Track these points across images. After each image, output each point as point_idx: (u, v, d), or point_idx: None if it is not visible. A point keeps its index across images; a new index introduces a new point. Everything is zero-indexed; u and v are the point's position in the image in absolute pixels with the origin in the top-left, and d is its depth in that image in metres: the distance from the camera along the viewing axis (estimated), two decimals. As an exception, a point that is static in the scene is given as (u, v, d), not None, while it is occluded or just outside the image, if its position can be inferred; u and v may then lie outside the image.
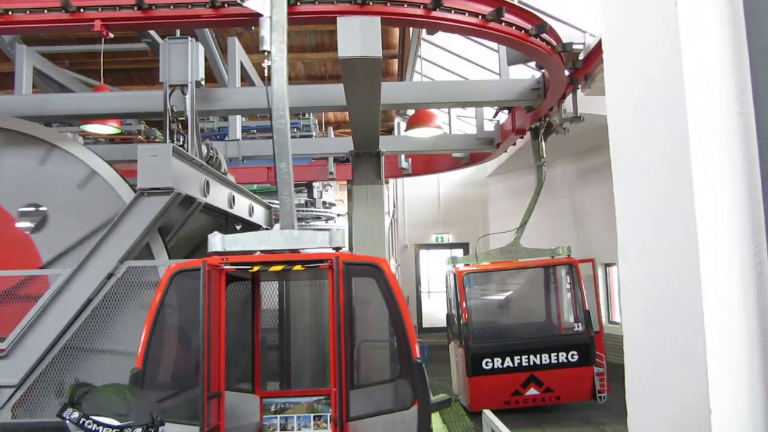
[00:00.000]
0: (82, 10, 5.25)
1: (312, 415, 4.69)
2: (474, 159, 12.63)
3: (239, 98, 7.90)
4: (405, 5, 5.22)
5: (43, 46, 11.04)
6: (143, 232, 5.45)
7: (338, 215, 19.87)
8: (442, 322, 14.80)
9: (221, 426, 4.18)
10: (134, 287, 5.47)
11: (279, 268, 4.16)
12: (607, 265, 13.01)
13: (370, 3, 5.09)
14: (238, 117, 11.24)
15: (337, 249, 4.21)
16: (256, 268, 4.23)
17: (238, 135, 11.15)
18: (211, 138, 11.93)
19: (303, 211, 17.74)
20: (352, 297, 4.60)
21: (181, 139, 6.58)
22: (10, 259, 5.65)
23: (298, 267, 4.18)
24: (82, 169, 5.79)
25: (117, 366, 5.17)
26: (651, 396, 2.00)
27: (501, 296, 10.41)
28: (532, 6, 7.41)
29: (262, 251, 4.28)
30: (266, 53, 4.66)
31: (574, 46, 7.15)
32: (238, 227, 7.93)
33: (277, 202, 14.13)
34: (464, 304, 8.77)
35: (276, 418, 4.71)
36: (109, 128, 10.61)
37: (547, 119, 8.86)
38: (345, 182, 10.72)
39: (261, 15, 4.75)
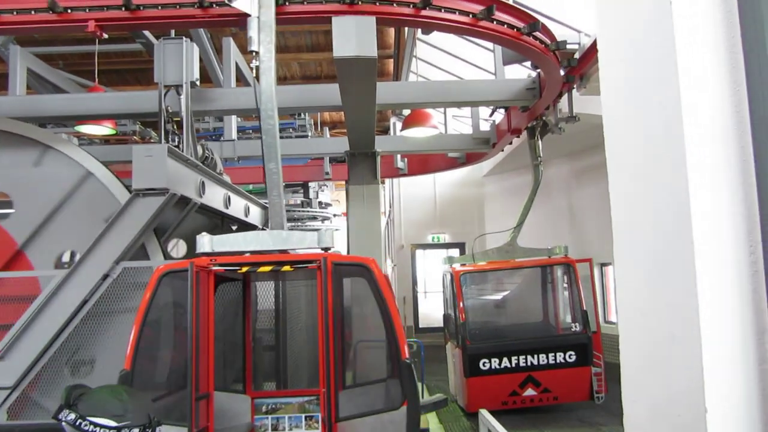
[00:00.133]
0: (69, 10, 5.23)
1: (303, 416, 4.68)
2: (470, 159, 12.64)
3: (234, 98, 7.88)
4: (394, 4, 5.20)
5: (37, 47, 11.00)
6: (139, 233, 5.44)
7: (334, 215, 19.86)
8: (438, 322, 14.82)
9: (210, 427, 4.18)
10: (130, 288, 5.45)
11: (267, 268, 4.16)
12: (602, 264, 13.03)
13: (359, 2, 5.09)
14: (234, 117, 11.21)
15: (326, 249, 4.20)
16: (244, 269, 4.22)
17: (234, 135, 11.13)
18: (206, 138, 11.91)
19: (299, 211, 17.72)
20: (342, 297, 4.62)
21: (177, 139, 6.56)
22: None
23: (286, 268, 4.18)
24: (77, 170, 5.77)
25: (113, 367, 5.15)
26: (647, 395, 2.00)
27: (498, 296, 10.41)
28: (526, 5, 7.41)
29: (251, 252, 4.27)
30: (254, 53, 4.66)
31: (570, 46, 7.16)
32: (234, 228, 7.91)
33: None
34: (461, 304, 8.77)
35: (267, 418, 4.71)
36: (103, 129, 10.57)
37: (543, 119, 8.87)
38: (344, 183, 10.71)
39: (249, 15, 4.74)
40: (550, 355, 8.51)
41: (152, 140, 12.80)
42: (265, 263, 4.16)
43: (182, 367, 4.00)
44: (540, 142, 9.37)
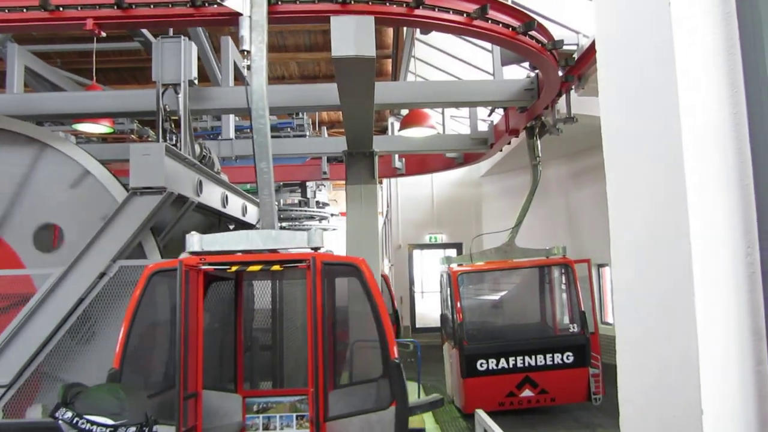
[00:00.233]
0: (61, 8, 5.21)
1: (294, 415, 4.68)
2: (468, 159, 12.64)
3: (232, 97, 7.88)
4: (387, 3, 5.19)
5: (35, 45, 10.97)
6: (136, 232, 5.43)
7: (332, 215, 19.84)
8: (435, 322, 14.81)
9: (198, 426, 4.18)
10: (127, 286, 5.44)
11: (257, 268, 4.16)
12: (599, 265, 13.05)
13: (352, 2, 5.08)
14: (232, 116, 11.20)
15: (316, 249, 4.20)
16: (234, 268, 4.22)
17: (232, 134, 11.12)
18: (204, 137, 11.89)
19: (296, 210, 17.71)
20: (334, 297, 4.62)
21: (174, 138, 6.55)
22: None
23: (275, 267, 4.18)
24: (75, 169, 5.76)
25: (109, 365, 5.14)
26: (643, 396, 2.00)
27: (496, 296, 10.40)
28: (523, 6, 7.41)
29: (241, 251, 4.27)
30: (245, 53, 4.66)
31: (568, 47, 7.16)
32: (231, 226, 7.90)
33: (271, 201, 13.84)
34: (459, 305, 8.75)
35: (258, 417, 4.71)
36: (101, 127, 10.55)
37: (542, 119, 8.87)
38: (341, 182, 10.72)
39: (241, 14, 4.74)
40: (548, 356, 8.49)
41: (150, 139, 12.78)
42: (254, 262, 4.16)
43: (171, 366, 4.00)
44: (539, 142, 9.36)
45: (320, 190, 18.14)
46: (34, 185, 5.83)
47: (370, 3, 5.15)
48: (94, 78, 10.75)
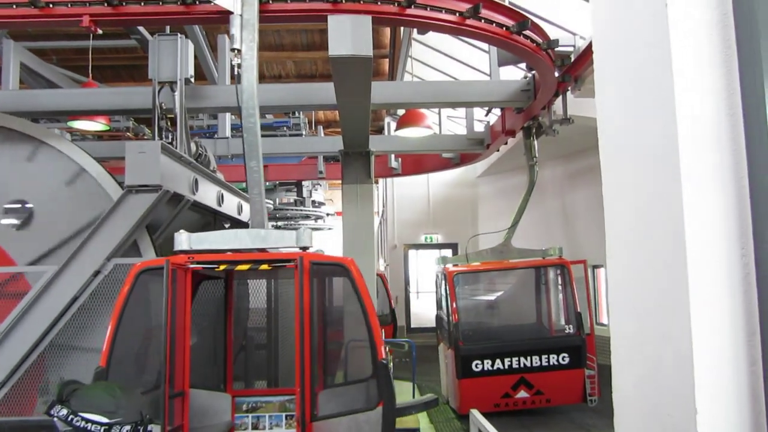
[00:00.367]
0: (51, 5, 5.20)
1: (284, 414, 4.69)
2: (464, 159, 12.66)
3: (229, 96, 7.85)
4: (379, 3, 5.19)
5: (30, 42, 10.94)
6: (131, 230, 5.41)
7: (327, 214, 19.84)
8: (430, 322, 14.82)
9: (185, 425, 4.17)
10: (121, 285, 5.41)
11: (245, 267, 4.16)
12: (594, 267, 13.08)
13: (343, 1, 5.08)
14: (228, 115, 11.19)
15: (304, 248, 4.20)
16: (222, 267, 4.21)
17: (228, 133, 11.10)
18: (200, 136, 11.86)
19: (292, 210, 17.69)
20: (324, 297, 4.61)
21: (170, 136, 6.54)
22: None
23: (264, 266, 4.18)
24: (71, 166, 5.74)
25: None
26: (638, 396, 2.01)
27: (492, 297, 10.40)
28: (519, 6, 7.42)
29: (230, 250, 4.27)
30: (236, 51, 4.65)
31: (565, 48, 7.17)
32: (227, 225, 7.89)
33: (267, 200, 14.11)
34: (454, 305, 8.75)
35: (248, 416, 4.71)
36: (97, 125, 10.52)
37: (538, 119, 8.88)
38: (337, 182, 10.72)
39: (231, 13, 4.73)
40: (544, 357, 8.49)
41: (146, 137, 12.74)
42: (242, 262, 4.15)
43: (158, 364, 3.99)
44: (536, 142, 9.37)
45: (316, 190, 18.14)
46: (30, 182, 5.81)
47: (361, 2, 5.14)
48: (90, 75, 10.70)
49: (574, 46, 7.37)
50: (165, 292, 3.90)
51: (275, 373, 5.42)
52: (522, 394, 8.51)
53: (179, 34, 6.53)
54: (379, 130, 16.60)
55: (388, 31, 13.35)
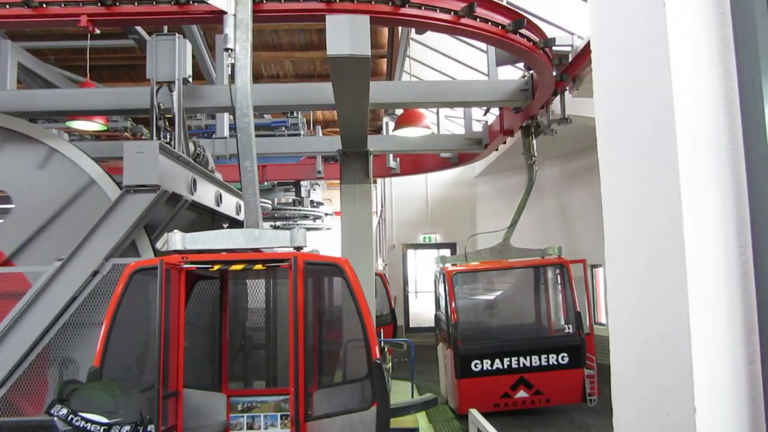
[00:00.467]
0: (44, 5, 5.18)
1: (279, 414, 4.69)
2: (462, 159, 12.66)
3: (227, 96, 7.81)
4: (373, 2, 5.17)
5: (28, 42, 10.92)
6: (129, 230, 5.40)
7: (326, 214, 19.83)
8: (429, 321, 14.82)
9: (179, 425, 4.17)
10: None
11: (239, 267, 4.16)
12: (593, 266, 13.09)
13: (337, 1, 5.07)
14: (226, 115, 11.17)
15: (298, 248, 4.19)
16: (216, 267, 4.21)
17: (226, 133, 11.09)
18: (198, 135, 11.85)
19: (290, 210, 17.68)
20: (320, 297, 4.61)
21: (168, 136, 6.53)
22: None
23: (258, 266, 4.18)
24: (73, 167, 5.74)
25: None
26: (636, 394, 2.01)
27: (491, 297, 10.40)
28: (517, 6, 7.41)
29: (224, 250, 4.27)
30: (229, 51, 4.65)
31: (563, 48, 7.17)
32: (225, 225, 7.88)
33: (265, 200, 14.04)
34: (453, 305, 8.74)
35: (243, 416, 4.71)
36: (95, 125, 10.51)
37: (537, 119, 8.88)
38: (336, 182, 10.71)
39: (225, 12, 4.73)
40: (543, 356, 8.48)
41: (144, 137, 12.73)
42: (236, 262, 4.15)
43: (152, 364, 3.99)
44: (534, 141, 9.37)
45: (314, 190, 18.12)
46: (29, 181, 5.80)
47: (355, 2, 5.13)
48: (88, 75, 10.69)
49: (572, 45, 7.37)
50: (159, 292, 3.90)
51: (273, 373, 5.42)
52: (521, 394, 8.51)
53: (177, 34, 6.52)
54: (378, 130, 16.60)
55: (386, 30, 13.35)
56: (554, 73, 7.26)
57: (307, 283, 4.08)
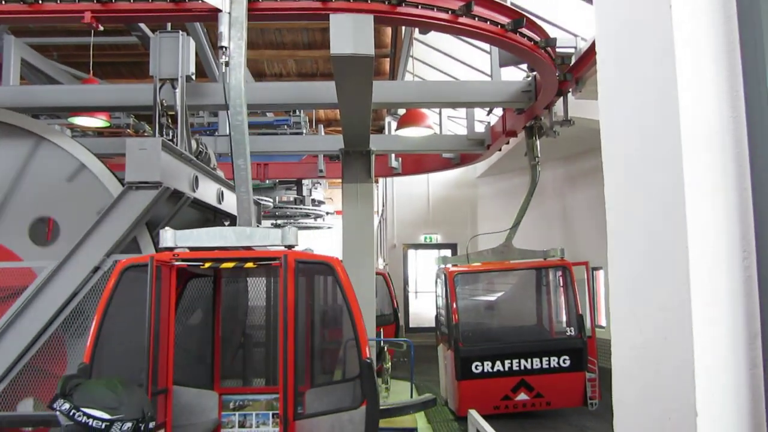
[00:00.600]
0: (40, 1, 5.18)
1: (271, 413, 4.69)
2: (464, 160, 12.66)
3: (230, 94, 7.84)
4: (369, 1, 5.15)
5: (31, 38, 10.91)
6: (131, 226, 5.41)
7: (327, 213, 19.83)
8: (429, 322, 14.82)
9: (168, 422, 4.18)
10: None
11: (230, 265, 4.16)
12: (594, 269, 13.07)
13: (333, 0, 5.07)
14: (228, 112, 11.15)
15: (290, 247, 4.19)
16: (207, 265, 4.21)
17: (228, 130, 11.06)
18: (200, 133, 11.85)
19: (292, 208, 17.68)
20: (313, 296, 4.59)
21: (171, 133, 6.52)
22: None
23: (249, 264, 4.18)
24: (72, 163, 5.74)
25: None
26: (638, 398, 2.00)
27: (492, 298, 10.37)
28: (520, 6, 7.40)
29: (215, 248, 4.27)
30: (224, 49, 4.65)
31: (566, 50, 7.15)
32: (227, 223, 7.88)
33: (266, 198, 14.02)
34: (454, 305, 8.71)
35: (234, 414, 4.72)
36: (97, 121, 10.51)
37: (539, 120, 8.87)
38: (337, 181, 10.71)
39: (220, 11, 4.73)
40: (544, 359, 8.42)
41: (146, 134, 12.73)
42: (227, 259, 4.15)
43: (142, 361, 4.00)
44: (538, 142, 9.34)
45: (316, 188, 18.12)
46: (29, 178, 5.80)
47: (351, 1, 5.13)
48: (91, 71, 10.69)
49: (575, 47, 7.36)
50: (149, 289, 3.90)
51: (269, 371, 5.42)
52: (522, 396, 8.47)
53: (180, 31, 6.52)
54: (380, 130, 16.61)
55: (389, 30, 13.34)
56: (557, 74, 7.24)
57: (299, 281, 4.08)
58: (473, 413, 5.79)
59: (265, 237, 4.29)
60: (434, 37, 10.65)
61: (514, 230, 9.57)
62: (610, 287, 2.21)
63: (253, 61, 14.47)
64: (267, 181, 15.14)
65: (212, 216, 7.52)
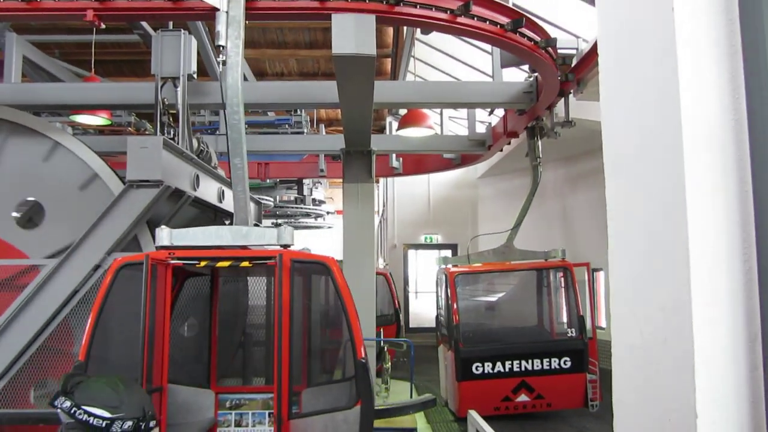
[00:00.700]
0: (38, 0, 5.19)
1: (267, 412, 4.70)
2: (465, 160, 12.65)
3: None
4: (366, 0, 5.14)
5: (33, 35, 10.92)
6: (131, 225, 5.41)
7: (327, 213, 19.83)
8: (429, 322, 14.82)
9: (162, 421, 4.18)
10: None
11: (226, 264, 4.16)
12: (594, 270, 13.06)
13: None
14: (230, 112, 11.15)
15: (286, 246, 4.19)
16: (203, 263, 4.21)
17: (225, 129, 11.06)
18: (201, 132, 11.86)
19: (293, 208, 17.69)
20: (309, 295, 4.59)
21: (172, 132, 6.53)
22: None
23: (244, 263, 4.18)
24: (45, 143, 5.73)
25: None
26: (638, 399, 2.00)
27: (493, 298, 10.35)
28: (520, 7, 7.38)
29: (211, 247, 4.27)
30: (221, 48, 4.65)
31: (568, 51, 7.15)
32: (227, 222, 7.89)
33: (267, 198, 14.02)
34: (455, 306, 8.69)
35: (231, 413, 4.73)
36: (98, 119, 10.52)
37: (541, 121, 8.86)
38: (338, 180, 10.71)
39: (218, 9, 4.73)
40: (545, 360, 8.39)
41: (147, 132, 12.74)
42: (223, 258, 4.15)
43: (137, 359, 4.00)
44: (540, 142, 9.33)
45: (317, 188, 18.13)
46: (6, 163, 5.80)
47: (349, 0, 5.12)
48: (93, 69, 10.69)
49: (576, 48, 7.35)
50: (144, 287, 3.90)
51: (266, 370, 5.42)
52: (522, 397, 8.44)
53: (182, 30, 6.52)
54: (381, 130, 16.60)
55: (391, 30, 13.34)
56: (558, 75, 7.23)
57: (294, 281, 4.08)
58: (473, 414, 5.79)
59: (261, 236, 4.30)
60: (436, 37, 10.65)
61: (515, 231, 9.55)
62: (611, 287, 2.21)
63: (254, 60, 14.48)
64: (268, 181, 15.14)
65: (213, 215, 7.52)
